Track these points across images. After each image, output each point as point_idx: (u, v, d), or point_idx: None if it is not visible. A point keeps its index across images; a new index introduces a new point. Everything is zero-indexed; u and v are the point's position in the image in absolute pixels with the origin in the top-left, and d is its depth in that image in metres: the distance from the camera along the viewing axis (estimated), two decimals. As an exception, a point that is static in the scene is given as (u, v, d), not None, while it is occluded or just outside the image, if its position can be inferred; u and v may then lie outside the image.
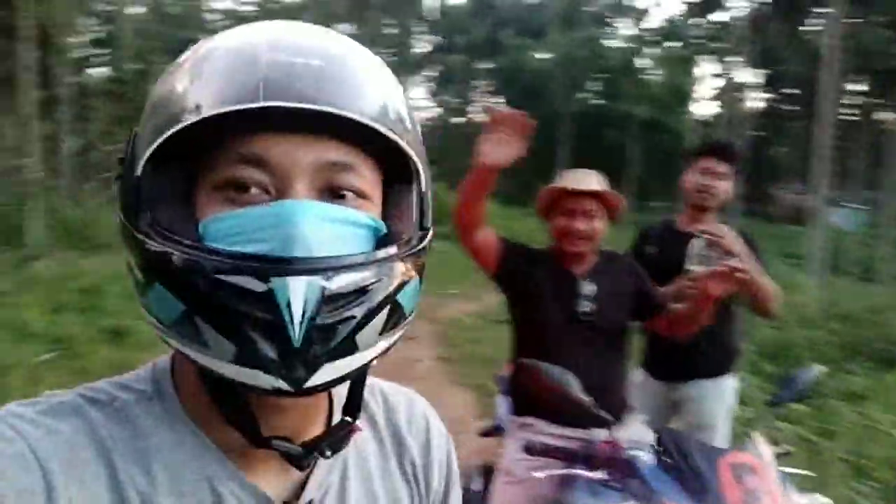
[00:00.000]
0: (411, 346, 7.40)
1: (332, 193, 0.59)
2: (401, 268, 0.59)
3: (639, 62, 37.43)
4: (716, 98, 43.03)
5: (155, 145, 0.55)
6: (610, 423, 1.99)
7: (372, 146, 0.60)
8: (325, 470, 0.69)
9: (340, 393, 0.71)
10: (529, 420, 2.32)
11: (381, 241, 0.61)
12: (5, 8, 20.73)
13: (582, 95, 37.17)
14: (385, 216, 0.63)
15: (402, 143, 0.59)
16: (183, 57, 0.61)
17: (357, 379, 0.67)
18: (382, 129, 0.57)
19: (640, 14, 37.42)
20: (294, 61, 0.55)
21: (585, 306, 2.34)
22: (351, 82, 0.57)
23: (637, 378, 3.05)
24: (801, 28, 28.22)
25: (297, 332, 0.52)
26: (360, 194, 0.60)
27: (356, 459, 0.73)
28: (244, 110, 0.53)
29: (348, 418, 0.68)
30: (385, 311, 0.57)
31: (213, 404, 0.61)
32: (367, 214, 0.60)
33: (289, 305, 0.51)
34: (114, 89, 26.14)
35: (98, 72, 31.63)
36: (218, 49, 0.58)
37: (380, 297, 0.57)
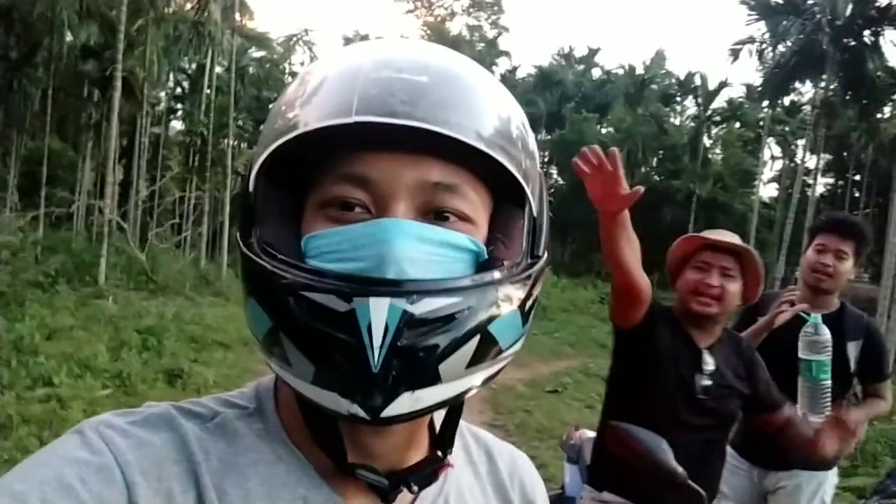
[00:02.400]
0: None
1: (435, 215, 0.56)
2: (497, 296, 0.55)
3: (703, 141, 37.29)
4: (775, 180, 42.43)
5: (260, 161, 0.56)
6: (703, 500, 1.80)
7: (479, 166, 0.57)
8: None
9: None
10: (607, 497, 2.16)
11: (481, 266, 0.57)
12: (99, 60, 22.25)
13: (644, 171, 37.12)
14: (491, 240, 0.59)
15: (506, 162, 0.55)
16: (297, 77, 0.61)
17: (450, 411, 0.65)
18: (483, 147, 0.54)
19: (706, 93, 37.48)
20: (395, 77, 0.54)
21: (704, 382, 2.14)
22: (454, 99, 0.55)
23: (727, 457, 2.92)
24: (872, 116, 27.75)
25: (375, 356, 0.50)
26: (463, 217, 0.57)
27: (458, 501, 0.69)
28: (344, 128, 0.52)
29: (440, 453, 0.65)
30: (474, 342, 0.54)
31: (308, 428, 0.59)
32: (468, 237, 0.57)
33: (369, 327, 0.49)
34: (187, 141, 27.46)
35: (176, 124, 33.46)
36: (324, 68, 0.59)
37: (468, 325, 0.53)
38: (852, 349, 2.62)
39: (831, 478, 2.80)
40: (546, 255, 0.63)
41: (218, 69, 26.84)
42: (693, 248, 2.20)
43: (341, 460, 0.58)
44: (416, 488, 0.61)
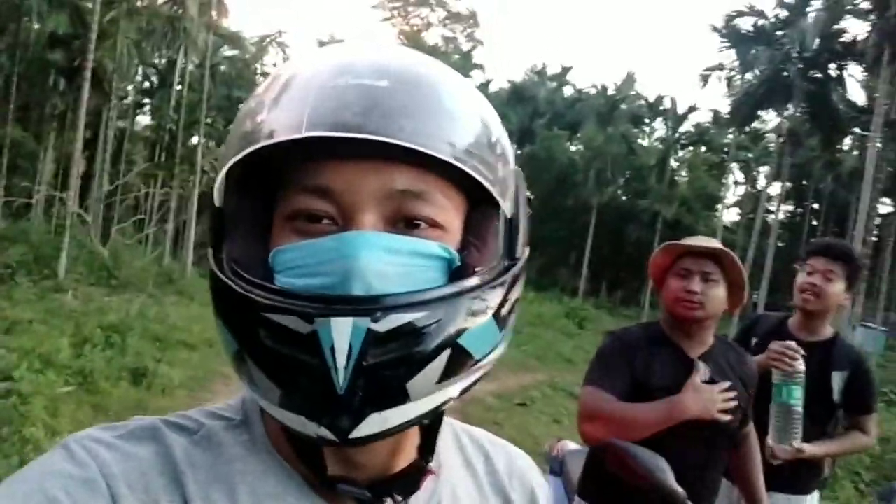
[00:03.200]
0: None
1: (405, 223, 0.54)
2: (470, 305, 0.53)
3: (670, 163, 38.02)
4: (737, 205, 43.45)
5: (222, 174, 0.55)
6: None
7: (449, 170, 0.54)
8: None
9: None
10: None
11: (455, 274, 0.55)
12: (67, 50, 21.77)
13: (611, 190, 37.65)
14: (464, 245, 0.57)
15: (468, 169, 0.53)
16: (263, 83, 0.59)
17: (431, 420, 0.61)
18: (440, 155, 0.51)
19: (675, 117, 38.27)
20: (352, 84, 0.52)
21: None
22: (415, 104, 0.52)
23: None
24: (833, 147, 28.67)
25: (340, 378, 0.48)
26: (433, 223, 0.55)
27: (452, 502, 0.67)
28: (301, 139, 0.50)
29: (423, 462, 0.63)
30: (444, 356, 0.52)
31: (288, 441, 0.59)
32: (438, 244, 0.55)
33: (332, 349, 0.48)
34: (155, 137, 26.99)
35: (142, 119, 32.87)
36: (285, 74, 0.56)
37: (437, 340, 0.51)
38: (837, 379, 2.63)
39: (810, 502, 2.76)
40: (526, 254, 0.61)
41: (189, 66, 26.46)
42: (673, 256, 2.19)
43: (321, 474, 0.57)
44: (399, 498, 0.60)
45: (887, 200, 30.23)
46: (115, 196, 25.06)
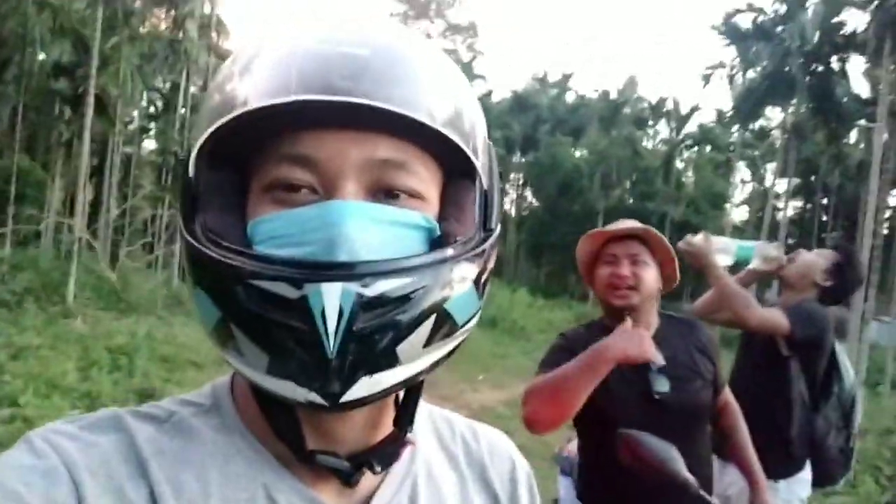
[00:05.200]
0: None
1: (385, 193, 0.55)
2: (452, 273, 0.54)
3: (674, 164, 37.92)
4: (746, 203, 43.21)
5: (198, 144, 0.54)
6: None
7: (428, 142, 0.55)
8: (392, 488, 0.64)
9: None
10: None
11: (435, 244, 0.56)
12: (71, 78, 21.99)
13: (616, 193, 37.57)
14: (443, 216, 0.58)
15: (454, 136, 0.54)
16: (233, 56, 0.58)
17: (409, 390, 0.63)
18: (429, 122, 0.52)
19: (679, 118, 38.19)
20: (335, 51, 0.52)
21: (659, 382, 2.00)
22: (398, 72, 0.53)
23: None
24: (839, 140, 28.50)
25: (331, 342, 0.48)
26: (414, 194, 0.56)
27: (427, 481, 0.67)
28: (284, 106, 0.50)
29: (399, 431, 0.63)
30: (431, 321, 0.53)
31: (265, 418, 0.58)
32: (420, 214, 0.55)
33: (323, 314, 0.48)
34: (161, 160, 27.17)
35: (149, 144, 33.14)
36: (262, 45, 0.56)
37: (424, 305, 0.52)
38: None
39: (784, 491, 2.69)
40: (498, 228, 0.62)
41: (193, 88, 26.67)
42: (599, 244, 2.12)
43: (300, 448, 0.57)
44: (378, 468, 0.60)
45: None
46: (124, 220, 25.22)
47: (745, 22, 27.90)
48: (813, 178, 36.12)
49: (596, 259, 2.14)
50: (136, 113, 31.16)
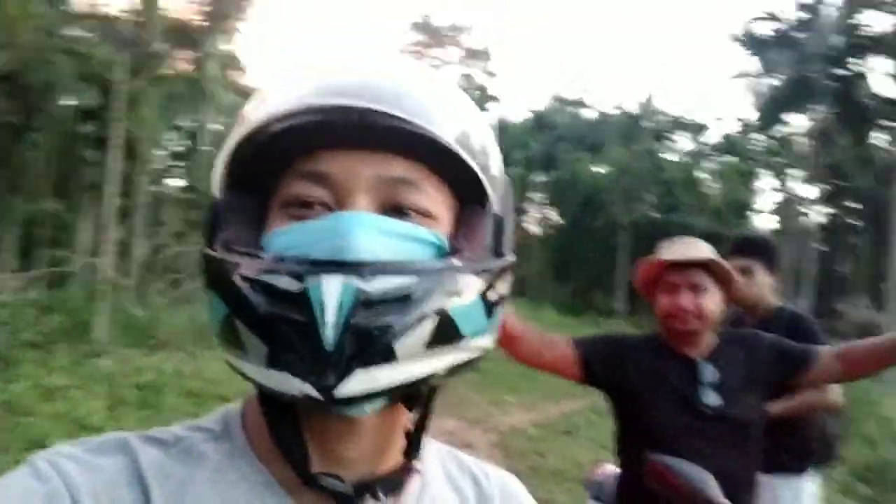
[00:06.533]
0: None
1: (396, 210, 0.56)
2: (457, 282, 0.55)
3: (698, 175, 37.59)
4: (775, 212, 42.54)
5: (221, 164, 0.57)
6: None
7: (439, 164, 0.58)
8: None
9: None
10: None
11: (442, 258, 0.58)
12: (97, 121, 22.50)
13: (640, 206, 37.25)
14: (454, 238, 0.60)
15: (466, 156, 0.56)
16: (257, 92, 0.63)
17: (419, 420, 0.64)
18: (443, 139, 0.54)
19: (699, 129, 37.90)
20: (359, 78, 0.56)
21: (709, 396, 2.00)
22: (418, 97, 0.56)
23: None
24: (866, 142, 28.03)
25: (328, 335, 0.49)
26: (425, 213, 0.58)
27: None
28: (302, 126, 0.53)
29: (408, 463, 0.64)
30: (432, 323, 0.53)
31: (272, 437, 0.59)
32: (429, 231, 0.57)
33: (322, 306, 0.49)
34: (187, 198, 27.61)
35: (175, 182, 33.67)
36: (288, 77, 0.60)
37: (425, 305, 0.53)
38: None
39: (810, 485, 2.76)
40: (512, 257, 0.62)
41: (217, 125, 27.14)
42: (657, 270, 2.10)
43: (303, 467, 0.57)
44: (381, 496, 0.60)
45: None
46: (152, 258, 25.58)
47: (764, 30, 27.76)
48: (841, 183, 35.48)
49: (655, 281, 2.12)
50: (162, 153, 31.79)
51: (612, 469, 2.84)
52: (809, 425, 2.77)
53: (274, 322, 0.51)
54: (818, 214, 33.44)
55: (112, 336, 13.46)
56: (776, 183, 40.58)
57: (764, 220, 41.74)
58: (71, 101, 23.67)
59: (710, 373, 2.02)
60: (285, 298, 0.50)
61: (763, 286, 2.91)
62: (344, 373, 0.50)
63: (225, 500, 0.58)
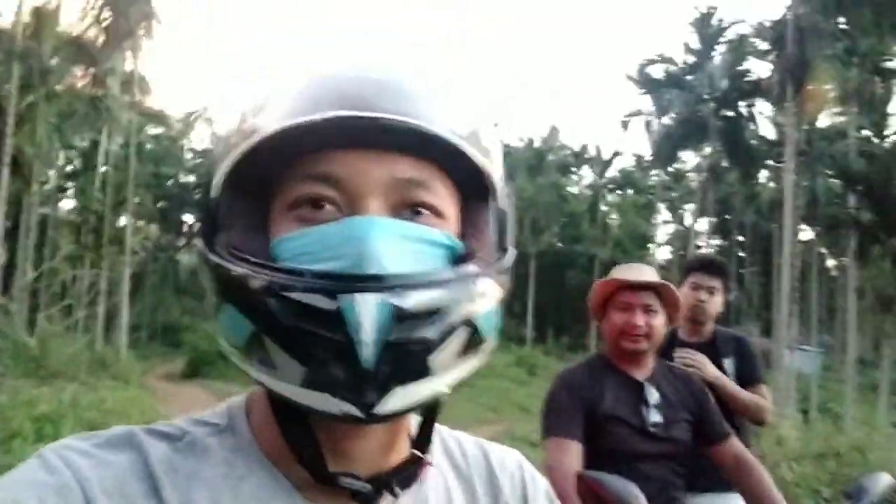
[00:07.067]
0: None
1: (408, 211, 0.56)
2: (478, 288, 0.56)
3: (600, 207, 39.20)
4: (668, 243, 44.88)
5: (229, 164, 0.55)
6: None
7: (446, 162, 0.57)
8: None
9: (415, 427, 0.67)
10: None
11: (457, 261, 0.57)
12: (-17, 138, 21.07)
13: (545, 237, 38.39)
14: (462, 235, 0.60)
15: (475, 154, 0.56)
16: (259, 84, 0.61)
17: (428, 409, 0.63)
18: (455, 139, 0.54)
19: (602, 163, 39.63)
20: (368, 76, 0.55)
21: (655, 416, 2.13)
22: (424, 95, 0.56)
23: None
24: (751, 181, 30.14)
25: (366, 353, 0.48)
26: (436, 212, 0.57)
27: (439, 500, 0.66)
28: (312, 126, 0.52)
29: (418, 453, 0.63)
30: (461, 334, 0.54)
31: (284, 439, 0.58)
32: (443, 233, 0.57)
33: (358, 324, 0.48)
34: (80, 220, 26.16)
35: (68, 203, 31.88)
36: (293, 72, 0.59)
37: (456, 317, 0.53)
38: (728, 365, 2.90)
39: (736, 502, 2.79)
40: (511, 249, 0.63)
41: (113, 146, 25.97)
42: (612, 288, 2.24)
43: (321, 469, 0.57)
44: (398, 491, 0.60)
45: (805, 227, 31.79)
46: (41, 283, 24.00)
47: (657, 72, 29.52)
48: (728, 216, 37.93)
49: (606, 301, 2.24)
50: (52, 172, 30.06)
51: None
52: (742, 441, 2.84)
53: (308, 341, 0.50)
54: (709, 246, 35.55)
55: (0, 365, 12.50)
56: (670, 216, 42.98)
57: (662, 252, 43.91)
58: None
59: (654, 395, 2.15)
60: (319, 317, 0.49)
61: (719, 307, 3.00)
62: (384, 391, 0.50)
63: (234, 496, 0.57)
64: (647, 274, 2.23)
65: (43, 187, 27.48)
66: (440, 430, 0.74)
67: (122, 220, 26.39)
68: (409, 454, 0.63)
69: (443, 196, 0.58)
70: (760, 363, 2.94)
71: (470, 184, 0.59)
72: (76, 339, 18.77)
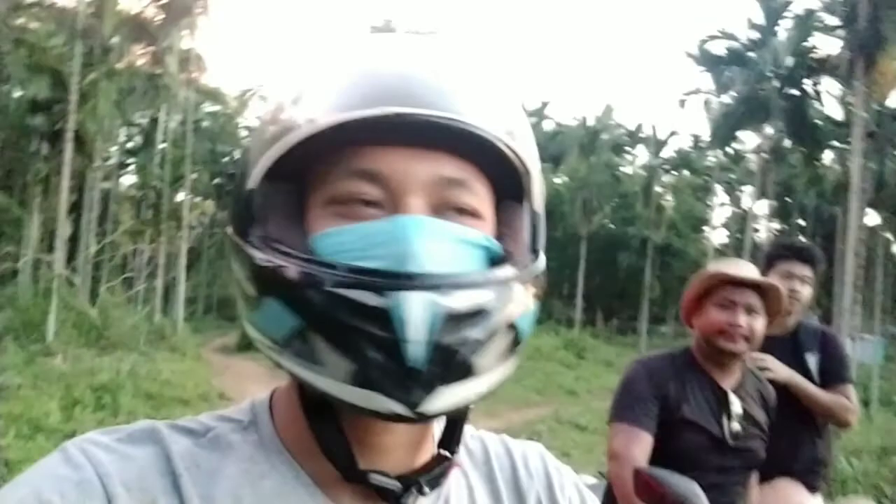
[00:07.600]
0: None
1: (448, 211, 0.55)
2: (518, 290, 0.55)
3: (655, 189, 38.39)
4: (724, 226, 43.72)
5: (273, 155, 0.54)
6: None
7: (486, 162, 0.57)
8: None
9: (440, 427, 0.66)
10: None
11: (495, 262, 0.57)
12: (48, 114, 21.81)
13: (598, 218, 37.86)
14: (498, 236, 0.59)
15: (520, 155, 0.56)
16: (299, 71, 0.60)
17: (458, 410, 0.60)
18: (505, 143, 0.54)
19: (657, 143, 38.74)
20: (413, 72, 0.54)
21: (734, 426, 2.03)
22: (468, 93, 0.55)
23: None
24: (814, 163, 29.06)
25: (416, 352, 0.49)
26: (475, 213, 0.57)
27: (461, 499, 0.66)
28: (359, 122, 0.51)
29: (446, 452, 0.62)
30: (503, 335, 0.54)
31: (309, 435, 0.57)
32: (482, 234, 0.57)
33: (407, 323, 0.49)
34: (140, 195, 26.97)
35: (127, 179, 32.87)
36: (337, 61, 0.57)
37: (500, 318, 0.53)
38: (811, 360, 2.71)
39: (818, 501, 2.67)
40: (542, 254, 0.63)
41: (172, 123, 26.59)
42: (714, 283, 2.09)
43: (351, 466, 0.56)
44: (427, 490, 0.59)
45: (871, 212, 30.54)
46: (103, 256, 24.87)
47: (718, 48, 28.55)
48: (789, 199, 36.69)
49: (704, 295, 2.10)
50: (114, 148, 30.97)
51: (588, 480, 2.78)
52: (816, 442, 2.68)
53: (357, 339, 0.49)
54: (767, 230, 34.48)
55: (63, 335, 13.02)
56: (727, 198, 41.81)
57: (718, 235, 42.87)
58: (20, 93, 22.86)
59: (737, 406, 2.05)
60: (368, 314, 0.49)
61: (808, 298, 2.79)
62: (431, 390, 0.50)
63: (256, 493, 0.57)
64: (753, 271, 2.08)
65: (105, 163, 28.39)
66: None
67: (180, 196, 27.10)
68: (435, 453, 0.63)
69: (482, 197, 0.58)
70: (848, 361, 2.71)
71: (505, 184, 0.59)
72: (136, 311, 19.42)
